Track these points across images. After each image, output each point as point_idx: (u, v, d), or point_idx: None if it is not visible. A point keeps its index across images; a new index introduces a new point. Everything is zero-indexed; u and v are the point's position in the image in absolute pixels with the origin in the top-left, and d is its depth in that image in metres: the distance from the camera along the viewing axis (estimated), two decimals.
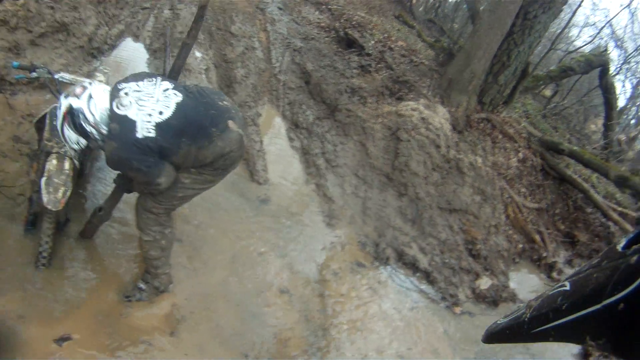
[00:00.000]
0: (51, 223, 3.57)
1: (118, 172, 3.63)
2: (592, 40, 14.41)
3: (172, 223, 3.81)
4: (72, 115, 2.97)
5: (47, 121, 3.60)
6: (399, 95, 7.33)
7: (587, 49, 13.81)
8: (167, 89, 3.20)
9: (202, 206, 4.95)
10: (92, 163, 4.44)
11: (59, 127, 3.05)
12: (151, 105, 3.06)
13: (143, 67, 6.02)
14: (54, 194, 3.34)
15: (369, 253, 5.70)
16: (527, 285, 6.77)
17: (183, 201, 3.63)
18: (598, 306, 0.88)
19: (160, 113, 3.07)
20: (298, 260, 5.15)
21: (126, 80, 3.20)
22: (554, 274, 7.20)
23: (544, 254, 7.31)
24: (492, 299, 6.00)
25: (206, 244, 4.70)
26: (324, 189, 6.01)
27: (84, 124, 2.99)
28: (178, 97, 3.18)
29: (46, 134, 3.55)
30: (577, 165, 9.22)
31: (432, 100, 7.27)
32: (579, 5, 12.80)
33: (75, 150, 3.32)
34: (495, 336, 1.34)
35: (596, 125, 13.88)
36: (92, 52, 5.59)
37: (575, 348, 6.30)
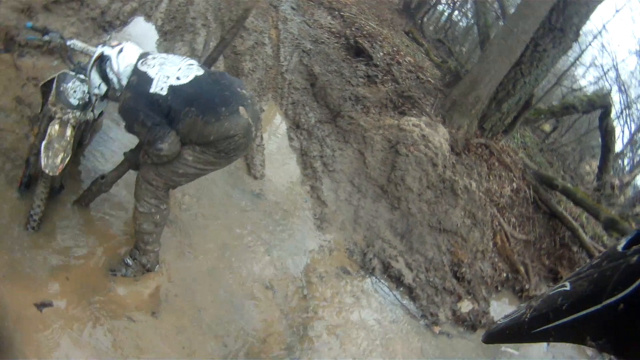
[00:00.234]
0: (46, 187, 3.54)
1: (128, 149, 3.78)
2: (597, 81, 14.58)
3: (169, 201, 3.79)
4: (101, 61, 3.26)
5: (54, 86, 3.55)
6: (402, 109, 7.34)
7: (591, 89, 13.95)
8: (192, 64, 3.39)
9: (197, 193, 4.92)
10: (92, 135, 4.39)
11: (88, 69, 3.31)
12: (172, 70, 3.26)
13: (152, 47, 5.99)
14: (52, 159, 3.33)
15: (356, 261, 5.67)
16: (506, 314, 6.75)
17: (183, 179, 3.61)
18: (598, 306, 0.87)
19: (178, 78, 3.23)
20: (285, 258, 5.11)
21: (159, 51, 3.40)
22: None
23: (527, 286, 7.31)
24: (471, 323, 5.98)
25: (197, 231, 4.66)
26: (319, 192, 5.98)
27: (108, 70, 3.26)
28: (199, 71, 3.35)
29: (52, 98, 3.50)
30: (568, 203, 9.26)
31: (434, 119, 7.28)
32: (588, 45, 12.94)
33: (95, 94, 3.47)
34: (495, 336, 1.33)
35: (590, 166, 13.97)
36: (104, 26, 5.58)
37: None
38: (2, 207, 3.65)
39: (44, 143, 3.33)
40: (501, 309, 6.86)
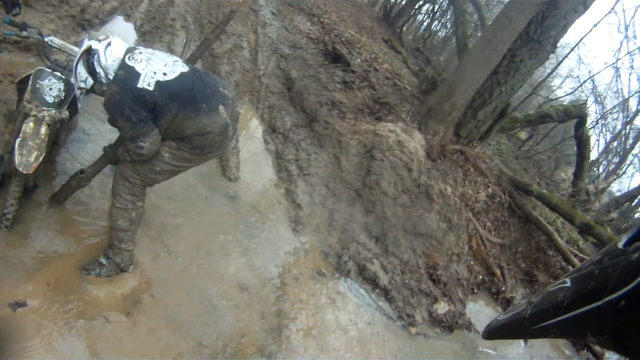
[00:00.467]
0: (19, 186, 3.52)
1: (109, 144, 3.74)
2: (573, 92, 14.81)
3: (145, 199, 3.79)
4: (89, 54, 3.22)
5: (30, 82, 3.51)
6: (378, 115, 7.39)
7: (567, 99, 14.17)
8: (178, 61, 3.42)
9: (171, 195, 4.91)
10: (66, 134, 4.37)
11: (74, 64, 3.27)
12: (159, 66, 3.27)
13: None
14: (26, 157, 3.28)
15: (331, 263, 5.67)
16: (483, 315, 6.81)
17: (160, 176, 3.63)
18: (599, 303, 0.88)
19: (164, 74, 3.25)
20: (260, 259, 5.10)
21: (145, 47, 3.46)
22: (510, 309, 7.25)
23: (503, 288, 7.37)
24: (447, 324, 6.01)
25: (172, 232, 4.64)
26: (293, 195, 5.98)
27: (95, 64, 3.22)
28: (184, 68, 3.38)
29: (27, 95, 3.45)
30: (543, 209, 9.37)
31: (410, 125, 7.34)
32: (565, 57, 13.16)
33: (81, 88, 3.47)
34: (495, 332, 1.32)
35: (566, 174, 14.17)
36: (82, 24, 5.57)
37: None
38: None
39: (18, 140, 3.29)
40: (478, 310, 6.91)
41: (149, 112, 3.22)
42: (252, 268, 4.96)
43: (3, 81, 4.42)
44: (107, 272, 3.85)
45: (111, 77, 3.23)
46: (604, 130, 17.37)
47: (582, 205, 11.44)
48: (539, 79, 13.54)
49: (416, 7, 19.01)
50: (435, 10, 20.22)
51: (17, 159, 3.25)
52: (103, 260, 3.84)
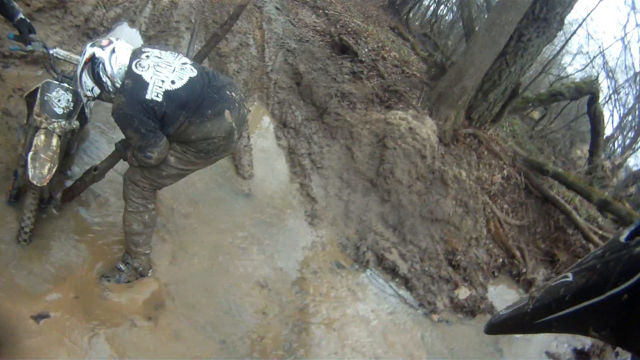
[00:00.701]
0: (35, 199, 3.55)
1: (120, 139, 3.70)
2: (584, 68, 14.63)
3: (156, 202, 3.84)
4: (93, 63, 3.12)
5: (38, 96, 3.54)
6: (388, 103, 7.36)
7: (578, 76, 14.01)
8: (186, 63, 3.34)
9: (187, 196, 4.94)
10: (79, 143, 4.41)
11: (78, 72, 3.17)
12: (167, 73, 3.19)
13: None
14: (39, 170, 3.31)
15: (349, 255, 5.68)
16: (505, 298, 6.78)
17: (167, 180, 3.66)
18: (602, 297, 0.87)
19: (173, 82, 3.18)
20: (278, 256, 5.12)
21: (152, 45, 3.44)
22: (533, 290, 7.20)
23: (524, 270, 7.33)
24: (469, 309, 6.00)
25: (189, 233, 4.68)
26: (308, 189, 5.99)
27: (101, 73, 3.13)
28: (193, 72, 3.31)
29: (36, 109, 3.48)
30: (560, 187, 9.29)
31: (420, 112, 7.29)
32: (573, 33, 13.00)
33: (87, 97, 3.38)
34: (497, 327, 1.33)
35: (582, 151, 14.02)
36: (88, 33, 5.58)
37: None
38: None
39: (30, 154, 3.32)
40: (500, 293, 6.89)
41: (158, 122, 3.21)
42: (271, 265, 4.98)
43: (13, 96, 4.46)
44: (126, 278, 3.89)
45: (118, 86, 3.17)
46: (617, 105, 17.16)
47: (599, 182, 11.33)
48: (549, 58, 13.36)
49: None
50: None
51: (30, 172, 3.28)
52: (122, 266, 3.88)
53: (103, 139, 4.81)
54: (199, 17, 6.79)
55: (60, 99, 3.52)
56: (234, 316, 4.28)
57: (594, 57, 14.66)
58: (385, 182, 6.29)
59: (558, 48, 13.75)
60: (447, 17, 20.86)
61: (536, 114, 13.65)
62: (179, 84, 3.19)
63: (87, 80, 3.18)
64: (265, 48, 7.59)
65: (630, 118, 16.74)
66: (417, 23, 16.95)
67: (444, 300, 5.94)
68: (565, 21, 8.46)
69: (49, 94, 3.54)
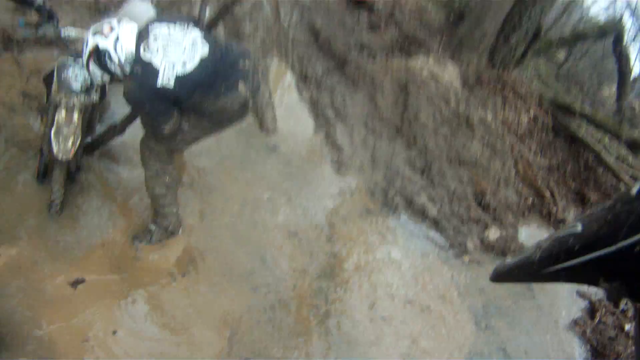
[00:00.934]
0: (62, 172, 3.69)
1: None
2: (607, 8, 14.13)
3: (174, 162, 3.88)
4: (98, 54, 3.05)
5: (55, 75, 3.63)
6: (409, 51, 7.27)
7: (602, 16, 13.57)
8: (197, 38, 3.21)
9: (211, 154, 4.98)
10: (101, 114, 4.50)
11: (84, 62, 3.13)
12: (177, 54, 3.08)
13: None
14: (63, 144, 3.45)
15: (378, 200, 5.71)
16: (536, 238, 6.69)
17: (182, 145, 3.74)
18: (613, 248, 0.87)
19: (184, 64, 3.09)
20: (307, 205, 5.17)
21: (159, 20, 3.22)
22: None
23: (554, 210, 7.27)
24: (500, 250, 6.00)
25: (216, 190, 4.75)
26: (333, 138, 5.99)
27: (108, 64, 3.08)
28: (205, 49, 3.20)
29: (54, 87, 3.58)
30: (589, 127, 9.11)
31: (442, 58, 7.21)
32: None
33: (99, 84, 3.44)
34: (503, 275, 1.36)
35: (610, 90, 13.65)
36: (100, 9, 5.56)
37: (582, 302, 6.32)
38: (23, 198, 3.81)
39: (53, 130, 3.45)
40: (531, 233, 6.85)
41: (170, 103, 3.20)
42: (300, 214, 5.04)
43: (31, 78, 4.53)
44: (157, 238, 3.98)
45: (127, 71, 3.12)
46: None
47: (628, 121, 11.09)
48: None
49: None
50: None
51: (54, 147, 3.42)
52: (152, 227, 3.97)
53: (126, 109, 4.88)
54: None
55: (77, 75, 3.56)
56: (266, 266, 4.37)
57: None
58: (410, 128, 6.26)
59: None
60: None
61: (562, 55, 13.30)
62: (190, 66, 3.11)
63: (95, 70, 3.15)
64: (280, 6, 7.51)
65: None
66: None
67: (475, 241, 5.95)
68: None
69: (65, 72, 3.61)
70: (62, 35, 3.63)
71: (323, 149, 5.91)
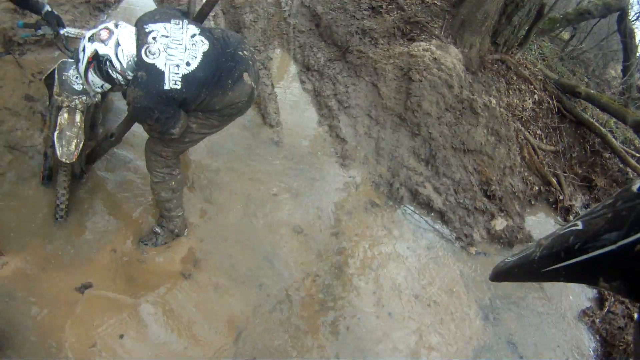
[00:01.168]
0: (67, 175, 3.66)
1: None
2: None
3: (180, 166, 3.84)
4: (99, 62, 2.87)
5: (56, 76, 3.60)
6: (411, 36, 7.15)
7: None
8: (194, 35, 3.13)
9: (214, 151, 4.96)
10: (104, 114, 4.46)
11: (81, 72, 2.94)
12: (179, 54, 3.00)
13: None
14: (67, 147, 3.40)
15: (383, 193, 5.65)
16: (543, 227, 6.71)
17: (190, 144, 3.68)
18: (613, 247, 0.84)
19: (188, 64, 3.01)
20: (312, 200, 5.14)
21: (153, 19, 3.08)
22: (571, 218, 7.11)
23: (561, 197, 7.22)
24: (507, 240, 5.97)
25: (220, 188, 4.73)
26: (337, 130, 5.92)
27: (110, 71, 2.91)
28: (205, 45, 3.13)
29: (56, 89, 3.55)
30: (594, 110, 9.03)
31: (444, 41, 7.08)
32: None
33: (98, 93, 3.27)
34: (503, 274, 1.30)
35: (616, 71, 13.51)
36: (99, 6, 5.52)
37: (591, 292, 6.31)
38: (29, 202, 3.78)
39: (56, 133, 3.41)
40: (538, 221, 6.82)
41: (178, 106, 3.11)
42: (305, 210, 5.01)
43: (33, 81, 4.51)
44: (163, 240, 4.00)
45: (130, 78, 2.97)
46: None
47: (635, 102, 10.97)
48: None
49: None
50: None
51: (58, 150, 3.37)
52: (158, 230, 3.98)
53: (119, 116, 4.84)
54: None
55: (77, 75, 3.51)
56: (272, 264, 4.36)
57: None
58: (413, 116, 6.17)
59: None
60: None
61: (566, 35, 13.14)
62: (194, 64, 3.03)
63: (95, 79, 2.96)
64: None
65: None
66: None
67: (481, 232, 5.91)
68: None
69: (66, 73, 3.60)
70: (61, 34, 3.53)
71: (327, 141, 5.84)
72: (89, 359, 3.22)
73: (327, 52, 6.79)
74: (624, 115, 8.26)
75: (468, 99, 6.51)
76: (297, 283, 4.35)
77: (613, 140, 8.32)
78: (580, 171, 8.13)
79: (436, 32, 7.23)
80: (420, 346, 4.48)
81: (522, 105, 7.55)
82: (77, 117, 3.50)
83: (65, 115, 3.46)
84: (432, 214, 5.75)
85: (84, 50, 2.89)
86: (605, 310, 5.98)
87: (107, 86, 3.02)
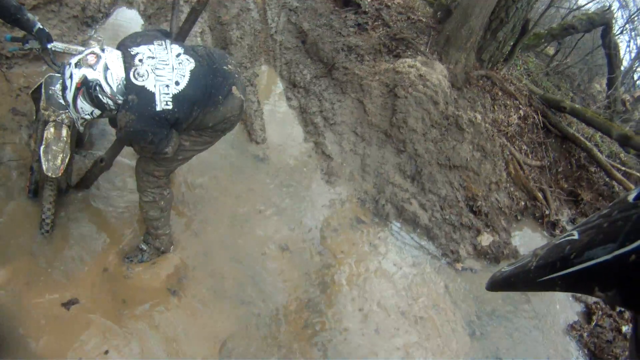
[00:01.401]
0: (52, 190, 3.62)
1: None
2: None
3: (170, 185, 3.84)
4: (88, 87, 2.77)
5: (43, 90, 3.60)
6: (396, 52, 7.21)
7: (591, 7, 13.54)
8: (179, 54, 3.10)
9: (201, 168, 4.94)
10: (90, 130, 4.45)
11: (70, 99, 2.83)
12: (167, 74, 2.96)
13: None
14: (53, 161, 3.38)
15: (369, 210, 5.66)
16: (529, 242, 6.74)
17: (183, 162, 3.66)
18: (608, 257, 0.84)
19: (177, 83, 2.98)
20: (298, 217, 5.14)
21: (136, 42, 3.05)
22: (557, 232, 7.15)
23: (547, 212, 7.25)
24: (493, 256, 5.98)
25: (206, 205, 4.71)
26: (323, 147, 5.93)
27: (100, 96, 2.81)
28: (191, 63, 3.10)
29: (42, 104, 3.55)
30: (579, 124, 9.11)
31: (429, 58, 7.13)
32: None
33: (86, 119, 3.10)
34: (499, 284, 1.29)
35: (601, 85, 13.67)
36: (87, 21, 5.53)
37: (579, 305, 6.32)
38: (15, 217, 3.75)
39: (42, 148, 3.39)
40: (524, 236, 6.85)
41: (170, 127, 3.09)
42: (291, 227, 5.01)
43: (20, 95, 4.51)
44: (148, 257, 3.98)
45: (120, 102, 2.91)
46: (633, 34, 16.57)
47: (620, 116, 11.09)
48: None
49: None
50: None
51: (44, 165, 3.35)
52: (143, 246, 3.96)
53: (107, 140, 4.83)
54: None
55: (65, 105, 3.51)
56: (257, 281, 4.35)
57: None
58: (399, 132, 6.20)
59: None
60: None
61: (551, 50, 13.28)
62: (183, 83, 3.00)
63: (85, 105, 2.85)
64: (267, 10, 7.42)
65: None
66: None
67: (467, 248, 5.92)
68: None
69: (53, 87, 3.59)
70: (49, 48, 3.49)
71: (313, 157, 5.85)
72: None
73: (313, 69, 6.82)
74: (609, 129, 8.34)
75: (453, 115, 6.55)
76: (283, 300, 4.34)
77: (599, 154, 8.39)
78: (566, 185, 8.18)
79: (421, 49, 7.29)
80: None
81: (508, 121, 7.60)
82: (64, 132, 3.49)
83: (52, 129, 3.45)
84: (418, 230, 5.76)
85: (71, 77, 2.79)
86: (593, 324, 6.00)
87: (97, 112, 2.92)
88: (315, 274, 4.71)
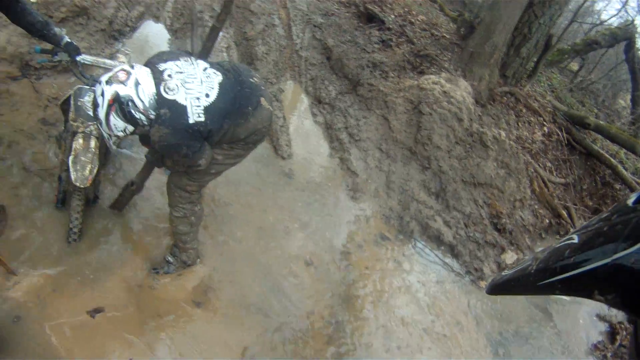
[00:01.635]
0: (80, 200, 3.66)
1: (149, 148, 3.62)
2: (617, 13, 14.01)
3: (201, 201, 3.87)
4: (120, 103, 2.80)
5: (72, 102, 3.65)
6: (421, 69, 7.25)
7: (614, 22, 13.45)
8: (206, 68, 3.14)
9: (227, 183, 4.99)
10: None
11: (102, 116, 2.86)
12: (197, 87, 2.99)
13: (165, 47, 6.03)
14: (81, 172, 3.43)
15: (393, 226, 5.68)
16: None
17: (215, 176, 3.67)
18: (608, 260, 0.86)
19: (207, 96, 3.01)
20: (322, 233, 5.16)
21: (163, 59, 3.08)
22: None
23: (571, 230, 7.19)
24: None
25: (232, 219, 4.75)
26: (348, 163, 5.98)
27: (133, 112, 2.84)
28: (218, 76, 3.14)
29: (71, 115, 3.60)
30: (604, 141, 9.03)
31: (453, 74, 7.16)
32: None
33: (118, 137, 3.13)
34: (499, 287, 1.31)
35: (625, 101, 13.52)
36: (114, 35, 5.65)
37: (603, 325, 6.26)
38: (43, 225, 3.80)
39: (70, 158, 3.44)
40: None
41: (203, 140, 3.11)
42: (315, 242, 5.03)
43: (49, 105, 4.60)
44: (175, 269, 4.00)
45: (153, 117, 2.92)
46: None
47: None
48: (580, 5, 12.85)
49: None
50: None
51: (72, 175, 3.40)
52: (170, 259, 3.99)
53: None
54: (194, 10, 6.70)
55: (97, 122, 3.57)
56: (281, 296, 4.36)
57: (627, 1, 14.00)
58: (424, 149, 6.23)
59: None
60: None
61: (575, 66, 13.20)
62: (213, 95, 3.03)
63: (117, 122, 2.87)
64: (292, 26, 7.52)
65: None
66: None
67: (491, 266, 5.90)
68: None
69: (81, 99, 3.65)
70: (77, 60, 3.54)
71: (338, 173, 5.90)
72: None
73: (338, 85, 6.89)
74: (634, 145, 8.27)
75: (478, 132, 6.56)
76: (307, 315, 4.35)
77: (623, 171, 8.30)
78: (591, 203, 8.11)
79: (445, 65, 7.32)
80: None
81: (532, 138, 7.58)
82: (92, 143, 3.54)
83: (81, 140, 3.51)
84: (442, 247, 5.76)
85: (102, 94, 2.82)
86: (617, 344, 5.93)
87: (130, 129, 2.94)
88: (339, 289, 4.72)
